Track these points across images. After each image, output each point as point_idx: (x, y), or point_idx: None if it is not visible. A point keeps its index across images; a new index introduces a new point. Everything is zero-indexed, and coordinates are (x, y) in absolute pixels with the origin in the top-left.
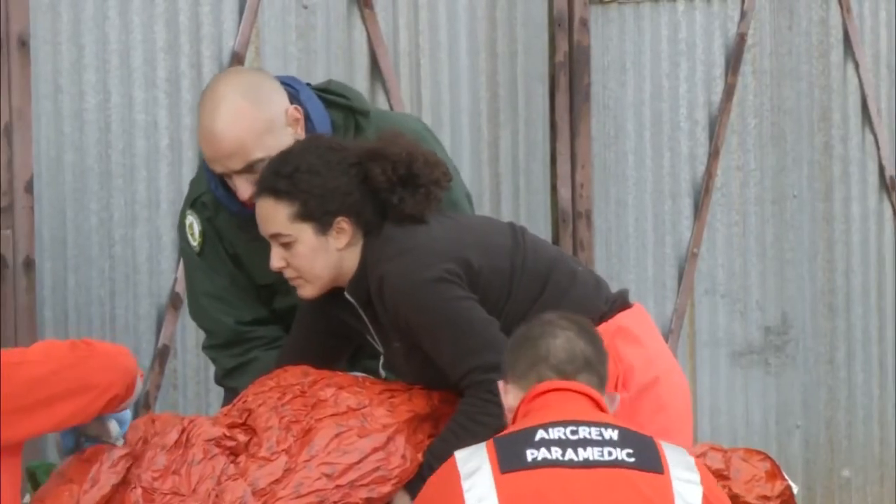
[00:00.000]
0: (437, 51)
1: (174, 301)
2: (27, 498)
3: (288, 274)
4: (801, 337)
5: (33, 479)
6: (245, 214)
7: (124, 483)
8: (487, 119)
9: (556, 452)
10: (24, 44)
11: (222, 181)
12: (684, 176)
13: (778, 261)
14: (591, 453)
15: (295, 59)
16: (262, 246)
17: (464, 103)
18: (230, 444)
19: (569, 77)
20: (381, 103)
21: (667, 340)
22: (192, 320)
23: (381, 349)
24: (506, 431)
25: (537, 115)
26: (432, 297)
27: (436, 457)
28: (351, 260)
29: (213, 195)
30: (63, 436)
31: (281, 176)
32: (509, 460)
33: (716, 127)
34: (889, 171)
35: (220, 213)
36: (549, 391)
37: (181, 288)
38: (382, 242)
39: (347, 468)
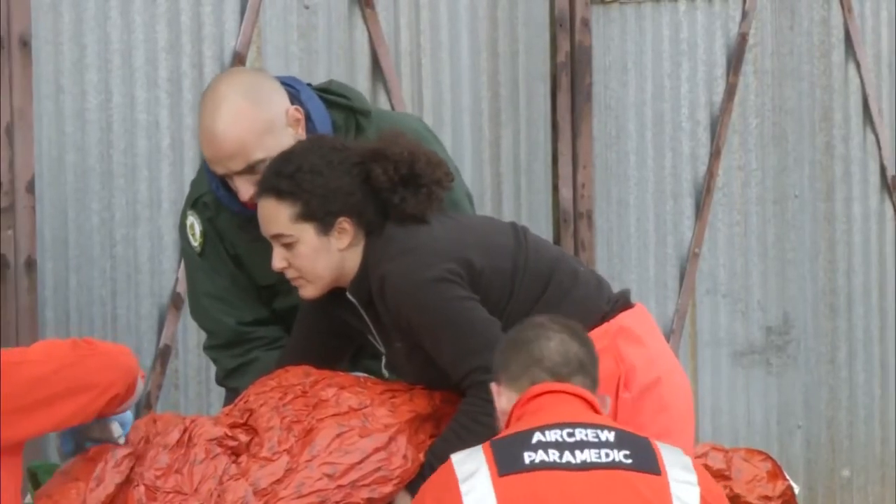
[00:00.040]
0: (439, 50)
1: (176, 301)
2: (28, 498)
3: (289, 274)
4: (803, 337)
5: (34, 479)
6: (246, 215)
7: (127, 481)
8: (489, 119)
9: (553, 455)
10: (25, 44)
11: (223, 182)
12: (686, 176)
13: (779, 261)
14: (589, 455)
15: (296, 59)
16: (263, 246)
17: (465, 103)
18: (232, 443)
19: (570, 77)
20: (383, 103)
21: (668, 340)
22: (193, 320)
23: (382, 349)
24: (502, 434)
25: (539, 115)
26: (433, 297)
27: (437, 457)
28: (352, 260)
29: (214, 195)
30: (63, 441)
31: (283, 176)
32: (507, 463)
33: (717, 127)
34: (890, 171)
35: (221, 214)
36: (543, 393)
37: (183, 288)
38: (384, 242)
39: (349, 468)
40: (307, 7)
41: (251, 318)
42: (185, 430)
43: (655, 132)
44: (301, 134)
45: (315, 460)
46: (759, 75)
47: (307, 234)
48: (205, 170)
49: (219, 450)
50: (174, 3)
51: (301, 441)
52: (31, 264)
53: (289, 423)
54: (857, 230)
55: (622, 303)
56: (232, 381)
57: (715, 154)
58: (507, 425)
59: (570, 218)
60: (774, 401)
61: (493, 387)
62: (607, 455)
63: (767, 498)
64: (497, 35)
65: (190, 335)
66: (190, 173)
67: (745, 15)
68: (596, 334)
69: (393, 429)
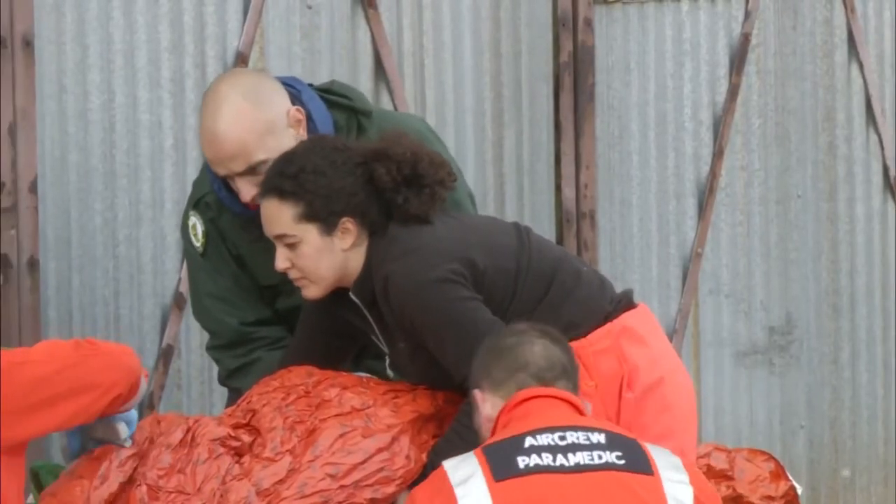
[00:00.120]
0: (441, 51)
1: (178, 301)
2: (31, 498)
3: (292, 275)
4: (806, 337)
5: (36, 480)
6: (248, 215)
7: (130, 481)
8: (491, 119)
9: (547, 458)
10: (28, 44)
11: (225, 182)
12: (688, 176)
13: (782, 261)
14: (582, 458)
15: (299, 60)
16: (265, 246)
17: (468, 103)
18: (235, 444)
19: (573, 77)
20: (385, 103)
21: (671, 340)
22: (196, 321)
23: (385, 349)
24: (492, 440)
25: (541, 116)
26: (437, 298)
27: (440, 457)
28: (356, 260)
29: (215, 196)
30: (70, 439)
31: (286, 176)
32: (501, 468)
33: (720, 127)
34: (893, 172)
35: (224, 214)
36: (531, 398)
37: (185, 288)
38: (387, 243)
39: (351, 468)
40: (310, 7)
41: (254, 319)
42: (188, 430)
43: (658, 132)
44: (302, 134)
45: (318, 460)
46: (762, 75)
47: (310, 234)
48: (207, 170)
49: (222, 450)
50: (177, 4)
51: (304, 441)
52: (33, 264)
53: (291, 423)
54: (860, 230)
55: (625, 303)
56: (234, 381)
57: (718, 154)
58: (494, 432)
59: (572, 218)
60: (777, 401)
61: (477, 394)
62: (600, 457)
63: (770, 498)
64: (500, 35)
65: (193, 335)
66: (193, 173)
67: (747, 15)
68: (599, 334)
69: (396, 429)
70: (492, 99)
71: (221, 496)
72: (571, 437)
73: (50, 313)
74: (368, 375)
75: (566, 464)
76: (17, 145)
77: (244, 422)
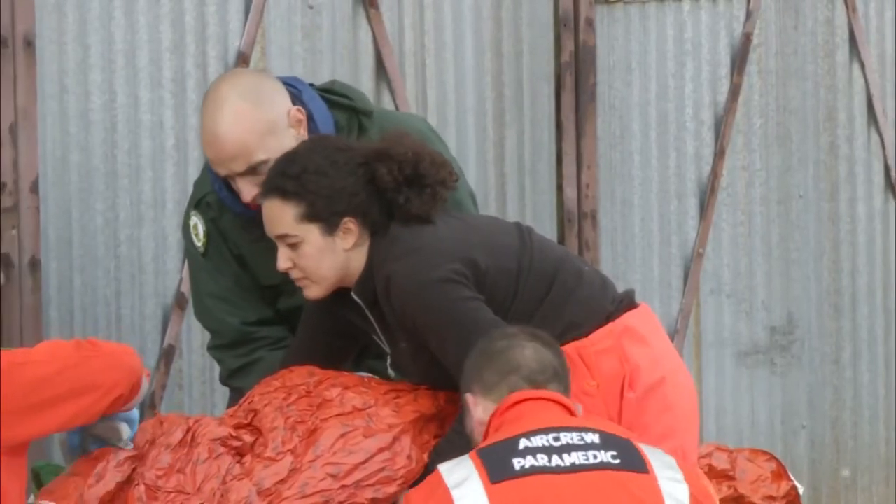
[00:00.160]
0: (443, 51)
1: (180, 301)
2: (32, 498)
3: (294, 275)
4: (807, 337)
5: (38, 480)
6: (249, 215)
7: (128, 481)
8: (493, 119)
9: (542, 459)
10: (29, 44)
11: (226, 182)
12: (690, 176)
13: (783, 261)
14: (577, 458)
15: (300, 60)
16: (266, 246)
17: (469, 103)
18: (236, 444)
19: (574, 77)
20: (387, 103)
21: (672, 340)
22: (197, 321)
23: (387, 349)
24: (485, 443)
25: (543, 115)
26: (439, 298)
27: (441, 457)
28: (357, 260)
29: (216, 196)
30: (69, 434)
31: (288, 176)
32: (497, 470)
33: (721, 127)
34: (894, 171)
35: (225, 214)
36: (523, 401)
37: (187, 288)
38: (389, 243)
39: (353, 468)
40: (311, 7)
41: (255, 318)
42: (188, 430)
43: (660, 132)
44: (303, 134)
45: (319, 460)
46: (764, 75)
47: (312, 234)
48: (208, 170)
49: (222, 449)
50: (178, 4)
51: (305, 441)
52: (35, 264)
53: (293, 423)
54: (861, 230)
55: (627, 303)
56: (236, 381)
57: (719, 154)
58: (486, 436)
59: (574, 218)
60: (779, 401)
61: (469, 398)
62: (595, 456)
63: (772, 498)
64: (501, 35)
65: (194, 335)
66: (194, 173)
67: (749, 15)
68: (601, 334)
69: (397, 429)
70: (493, 99)
71: (222, 496)
72: (565, 437)
73: (51, 313)
74: (370, 375)
75: (562, 464)
76: (18, 145)
77: (246, 422)
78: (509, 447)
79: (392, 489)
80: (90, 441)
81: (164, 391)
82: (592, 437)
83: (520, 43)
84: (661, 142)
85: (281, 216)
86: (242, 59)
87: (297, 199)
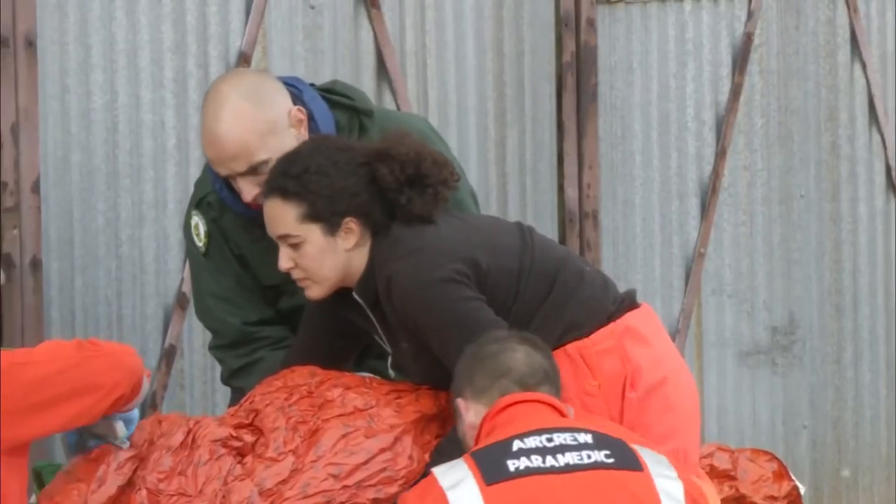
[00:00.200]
0: (444, 51)
1: (181, 301)
2: (33, 498)
3: (296, 275)
4: (809, 337)
5: (39, 480)
6: (249, 215)
7: (129, 484)
8: (494, 119)
9: (536, 460)
10: (31, 44)
11: (227, 182)
12: (691, 176)
13: (785, 261)
14: (571, 458)
15: (302, 60)
16: (267, 246)
17: (470, 103)
18: (237, 444)
19: (576, 77)
20: (388, 103)
21: (674, 340)
22: (199, 320)
23: (389, 349)
24: (479, 446)
25: (544, 115)
26: (440, 298)
27: (442, 457)
28: (359, 260)
29: (217, 196)
30: (67, 431)
31: (289, 176)
32: (492, 472)
33: (723, 127)
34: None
35: (226, 214)
36: (514, 404)
37: (188, 288)
38: (391, 243)
39: (354, 469)
40: (313, 7)
41: (256, 318)
42: (188, 432)
43: (661, 132)
44: (304, 134)
45: (320, 461)
46: (765, 75)
47: (314, 234)
48: (208, 170)
49: (223, 450)
50: (179, 4)
51: (306, 441)
52: (36, 264)
53: (294, 423)
54: (862, 230)
55: (628, 303)
56: (237, 380)
57: (720, 154)
58: (478, 440)
59: (575, 218)
60: (780, 401)
61: (460, 402)
62: (589, 456)
63: (773, 498)
64: (502, 35)
65: (195, 335)
66: (195, 173)
67: (750, 15)
68: (602, 334)
69: (398, 429)
70: (494, 99)
71: (224, 497)
72: (559, 438)
73: (52, 313)
74: (371, 375)
75: (556, 464)
76: (19, 145)
77: (247, 422)
78: (503, 449)
79: (394, 489)
80: (88, 438)
81: (165, 391)
82: (585, 438)
83: (521, 43)
84: (662, 142)
85: (282, 216)
86: (244, 59)
87: (299, 200)
